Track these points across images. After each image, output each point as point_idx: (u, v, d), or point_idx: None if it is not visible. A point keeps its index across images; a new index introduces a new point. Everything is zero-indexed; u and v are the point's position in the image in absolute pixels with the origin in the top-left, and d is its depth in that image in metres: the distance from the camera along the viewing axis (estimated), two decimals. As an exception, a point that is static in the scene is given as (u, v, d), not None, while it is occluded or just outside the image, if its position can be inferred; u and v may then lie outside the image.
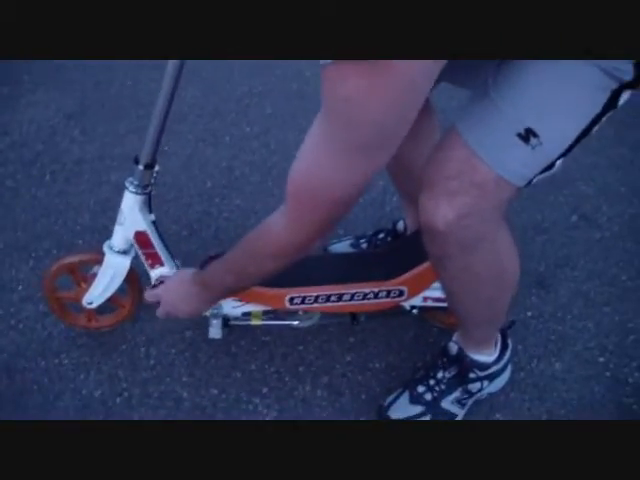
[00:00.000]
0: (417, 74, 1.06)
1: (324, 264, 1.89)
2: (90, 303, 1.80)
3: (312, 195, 1.23)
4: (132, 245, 1.71)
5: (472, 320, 1.68)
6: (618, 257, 2.28)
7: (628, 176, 2.62)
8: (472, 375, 1.75)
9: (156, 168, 1.62)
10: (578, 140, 1.29)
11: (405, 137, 1.17)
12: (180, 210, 2.30)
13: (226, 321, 1.83)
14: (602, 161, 2.68)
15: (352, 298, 1.78)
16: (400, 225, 2.06)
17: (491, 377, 1.78)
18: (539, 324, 2.04)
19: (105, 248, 1.72)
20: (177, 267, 1.76)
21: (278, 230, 1.33)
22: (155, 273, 1.74)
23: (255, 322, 1.84)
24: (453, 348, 1.76)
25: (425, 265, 1.72)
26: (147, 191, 1.63)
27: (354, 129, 1.11)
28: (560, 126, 1.28)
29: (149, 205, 1.66)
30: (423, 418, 1.76)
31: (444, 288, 1.61)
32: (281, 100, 2.81)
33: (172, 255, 1.75)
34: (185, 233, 2.22)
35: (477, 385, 1.77)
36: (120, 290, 1.80)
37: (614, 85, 1.23)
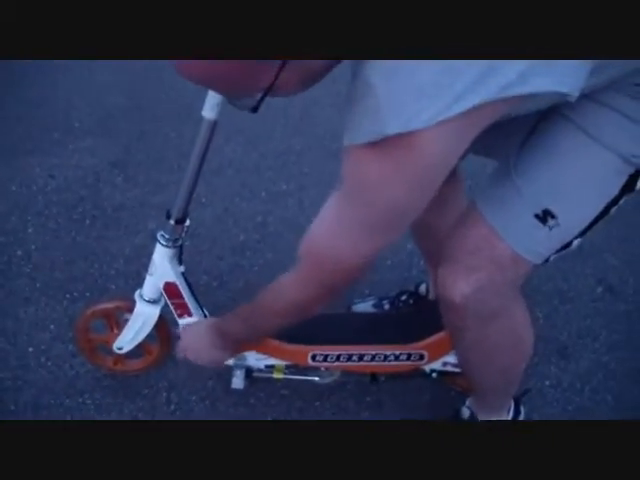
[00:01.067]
0: (439, 155, 1.08)
1: (348, 323, 1.94)
2: (120, 348, 1.87)
3: (321, 260, 1.28)
4: (162, 295, 1.77)
5: (486, 387, 1.71)
6: (641, 331, 2.29)
7: (657, 250, 2.64)
8: None
9: (187, 223, 1.68)
10: (596, 221, 1.33)
11: (431, 203, 1.19)
12: (212, 262, 2.37)
13: (249, 372, 1.87)
14: (631, 233, 2.69)
15: (373, 359, 1.82)
16: (422, 288, 2.10)
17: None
18: (557, 393, 2.06)
19: (136, 296, 1.79)
20: (205, 317, 1.81)
21: (287, 287, 1.39)
22: (183, 322, 1.80)
23: (277, 375, 1.89)
24: (465, 413, 1.79)
25: (445, 332, 1.75)
26: (177, 244, 1.69)
27: (373, 211, 1.16)
28: (577, 208, 1.32)
29: (179, 257, 1.73)
30: None
31: (459, 356, 1.65)
32: (319, 159, 2.88)
33: (201, 305, 1.81)
34: (215, 284, 2.28)
35: None
36: (149, 337, 1.85)
37: (631, 170, 1.27)
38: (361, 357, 1.81)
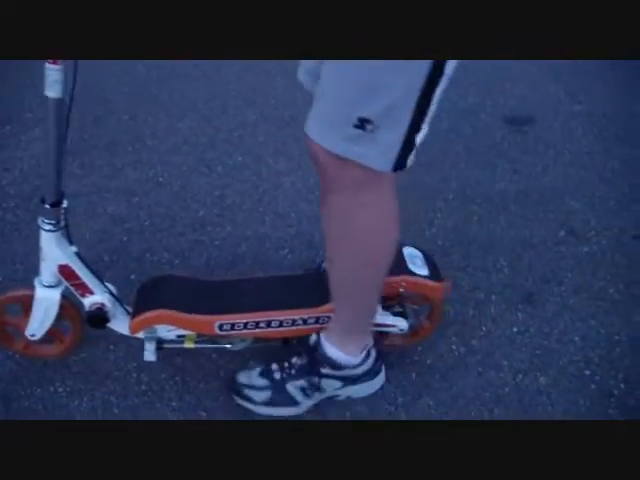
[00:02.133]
0: None
1: (253, 288, 1.90)
2: (33, 335, 1.85)
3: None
4: (60, 278, 1.75)
5: (343, 289, 1.72)
6: (605, 271, 2.31)
7: (617, 190, 2.66)
8: (323, 370, 1.79)
9: (64, 204, 1.66)
10: (420, 115, 1.33)
11: None
12: (173, 239, 2.36)
13: (160, 344, 1.86)
14: (591, 176, 2.72)
15: (281, 324, 1.80)
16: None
17: (346, 380, 1.82)
18: (525, 339, 2.07)
19: (35, 283, 1.78)
20: (109, 292, 1.80)
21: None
22: (88, 301, 1.79)
23: (189, 345, 1.87)
24: (312, 338, 1.80)
25: None
26: (60, 226, 1.67)
27: None
28: (389, 105, 1.30)
29: (68, 238, 1.71)
30: (264, 392, 1.82)
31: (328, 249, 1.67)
32: (273, 129, 2.88)
33: (102, 280, 1.80)
34: (177, 261, 2.27)
35: (330, 383, 1.81)
36: (59, 323, 1.85)
37: None
38: (269, 323, 1.80)
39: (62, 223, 1.67)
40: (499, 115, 3.09)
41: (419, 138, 1.37)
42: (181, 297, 1.83)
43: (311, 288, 1.86)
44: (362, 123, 1.31)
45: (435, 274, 1.85)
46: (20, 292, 1.84)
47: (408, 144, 1.36)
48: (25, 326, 1.83)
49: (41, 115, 2.96)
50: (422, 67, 1.26)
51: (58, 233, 1.68)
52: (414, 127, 1.34)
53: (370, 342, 1.81)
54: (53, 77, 1.46)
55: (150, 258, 2.27)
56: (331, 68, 1.32)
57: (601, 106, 3.23)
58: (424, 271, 1.83)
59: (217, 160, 2.74)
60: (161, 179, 2.62)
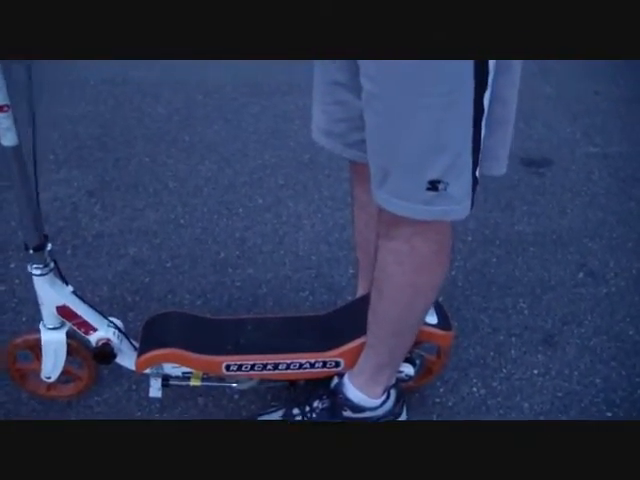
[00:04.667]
0: None
1: (261, 330, 1.90)
2: (49, 377, 1.86)
3: None
4: (62, 319, 1.77)
5: (375, 338, 1.73)
6: (625, 312, 2.31)
7: (635, 231, 2.67)
8: (345, 414, 1.79)
9: (48, 247, 1.67)
10: (477, 153, 1.35)
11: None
12: (194, 281, 2.38)
13: (166, 380, 1.87)
14: (608, 217, 2.73)
15: (288, 367, 1.80)
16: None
17: (367, 421, 1.82)
18: (545, 381, 2.07)
19: (40, 327, 1.80)
20: (113, 326, 1.82)
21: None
22: (93, 338, 1.80)
23: (194, 383, 1.87)
24: (334, 381, 1.81)
25: (363, 339, 1.76)
26: (49, 269, 1.68)
27: None
28: (451, 160, 1.33)
29: (61, 278, 1.73)
30: None
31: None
32: (293, 171, 2.91)
33: (104, 316, 1.82)
34: (199, 302, 2.29)
35: None
36: (72, 362, 1.86)
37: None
38: (276, 366, 1.80)
39: (51, 265, 1.68)
40: (516, 157, 3.11)
41: (478, 172, 1.39)
42: (188, 336, 1.84)
43: (320, 331, 1.87)
44: (433, 185, 1.33)
45: (444, 322, 1.85)
46: (27, 337, 1.86)
47: (475, 183, 1.39)
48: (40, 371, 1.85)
49: (65, 158, 3.02)
50: (467, 108, 1.28)
51: (49, 276, 1.69)
52: (475, 166, 1.37)
53: (391, 382, 1.82)
54: (4, 125, 1.46)
55: (172, 299, 2.29)
56: (385, 139, 1.35)
57: (617, 146, 3.26)
58: (433, 319, 1.84)
59: (237, 202, 2.77)
60: (182, 221, 2.65)
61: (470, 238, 2.59)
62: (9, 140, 1.48)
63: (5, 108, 1.43)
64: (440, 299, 1.89)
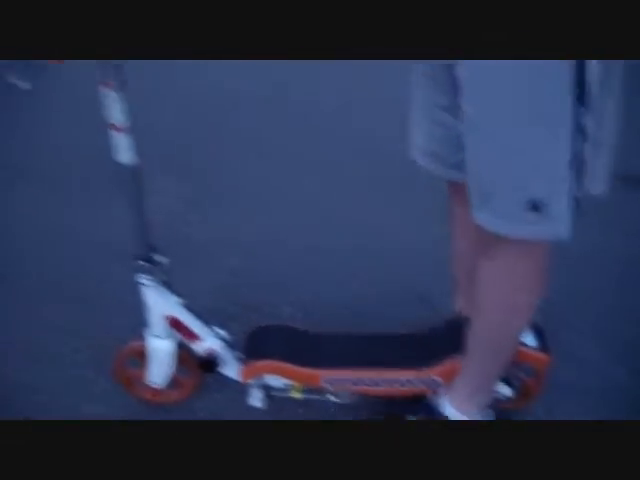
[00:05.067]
0: None
1: (362, 344, 1.96)
2: (154, 384, 1.94)
3: None
4: (170, 329, 1.85)
5: (473, 357, 1.75)
6: None
7: None
8: None
9: (158, 259, 1.75)
10: (578, 160, 1.35)
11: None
12: (295, 294, 2.45)
13: (268, 391, 1.93)
14: None
15: (385, 383, 1.86)
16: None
17: None
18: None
19: (147, 334, 1.87)
20: (219, 337, 1.89)
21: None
22: (198, 348, 1.88)
23: (295, 395, 1.93)
24: (432, 398, 1.84)
25: (461, 357, 1.79)
26: (159, 279, 1.76)
27: None
28: (549, 173, 1.35)
29: (170, 289, 1.81)
30: None
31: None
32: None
33: (210, 326, 1.89)
34: (299, 315, 2.36)
35: None
36: (179, 370, 1.94)
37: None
38: (374, 381, 1.85)
39: (160, 276, 1.76)
40: (617, 174, 3.04)
41: (578, 193, 1.40)
42: (289, 348, 1.92)
43: (419, 348, 1.91)
44: (534, 205, 1.36)
45: (542, 344, 1.86)
46: (134, 345, 1.94)
47: (576, 203, 1.39)
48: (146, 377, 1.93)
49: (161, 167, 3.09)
50: (567, 130, 1.30)
51: (158, 286, 1.77)
52: (576, 186, 1.37)
53: (487, 403, 1.83)
54: (124, 144, 1.55)
55: (272, 311, 2.37)
56: (486, 161, 1.38)
57: None
58: (531, 341, 1.85)
59: (342, 217, 2.82)
60: (283, 235, 2.72)
61: (569, 257, 2.57)
62: (127, 159, 1.56)
63: (125, 129, 1.51)
64: (538, 320, 1.89)
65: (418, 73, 1.59)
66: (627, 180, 3.03)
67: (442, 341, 1.88)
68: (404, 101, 1.69)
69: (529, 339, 1.83)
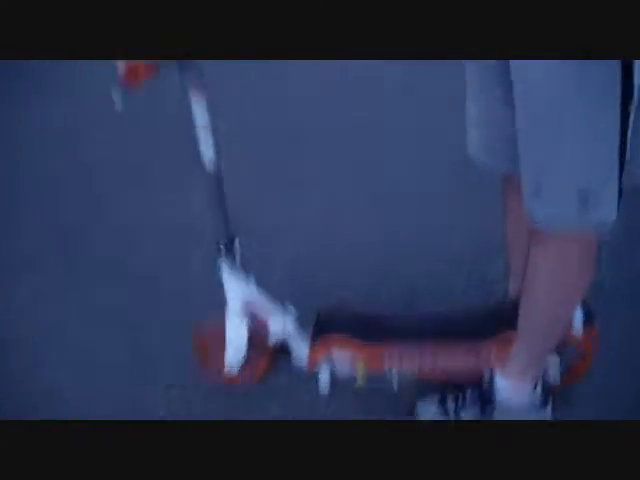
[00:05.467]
0: None
1: (420, 323, 2.07)
2: (231, 366, 2.04)
3: None
4: (246, 312, 1.97)
5: (523, 336, 1.86)
6: None
7: None
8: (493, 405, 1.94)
9: (237, 244, 1.87)
10: (623, 159, 1.44)
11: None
12: (360, 276, 2.57)
13: (333, 377, 2.02)
14: None
15: (443, 357, 1.97)
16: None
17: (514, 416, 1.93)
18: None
19: (225, 317, 1.98)
20: (290, 318, 2.00)
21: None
22: (271, 331, 2.00)
23: (359, 383, 2.02)
24: (485, 376, 1.95)
25: (514, 335, 1.88)
26: (237, 264, 1.88)
27: None
28: (600, 172, 1.44)
29: (246, 273, 1.92)
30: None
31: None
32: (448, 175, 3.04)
33: (282, 307, 2.01)
34: (365, 294, 2.48)
35: None
36: (253, 351, 2.04)
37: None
38: (433, 356, 1.96)
39: (238, 261, 1.88)
40: None
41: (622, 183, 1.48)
42: (357, 326, 2.02)
43: (479, 325, 2.01)
44: (584, 195, 1.44)
45: (590, 324, 1.94)
46: (213, 327, 2.05)
47: (620, 193, 1.48)
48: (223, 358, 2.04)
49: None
50: (614, 122, 1.37)
51: (236, 270, 1.89)
52: (621, 176, 1.46)
53: (538, 379, 1.94)
54: (209, 142, 1.69)
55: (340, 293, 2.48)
56: (538, 153, 1.48)
57: None
58: (579, 321, 1.93)
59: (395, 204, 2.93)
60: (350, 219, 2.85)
61: (617, 241, 2.61)
62: (211, 154, 1.70)
63: (209, 127, 1.66)
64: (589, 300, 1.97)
65: (472, 69, 1.68)
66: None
67: (498, 319, 1.98)
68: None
69: (578, 318, 1.92)
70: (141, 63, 1.39)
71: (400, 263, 2.63)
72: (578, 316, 1.93)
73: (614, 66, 1.30)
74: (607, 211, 1.48)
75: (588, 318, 1.94)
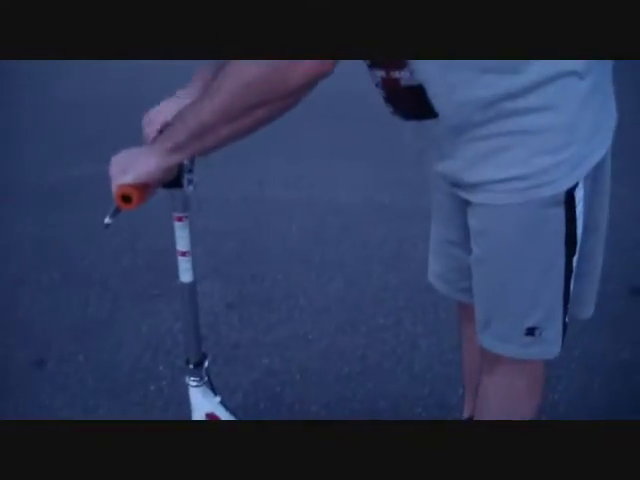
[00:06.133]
0: None
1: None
2: None
3: None
4: None
5: None
6: None
7: None
8: None
9: (205, 364, 1.93)
10: (567, 298, 1.56)
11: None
12: (320, 392, 2.65)
13: None
14: None
15: None
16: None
17: None
18: None
19: None
20: None
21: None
22: None
23: None
24: None
25: None
26: (204, 381, 1.94)
27: None
28: (546, 311, 1.56)
29: (212, 389, 1.97)
30: None
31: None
32: (413, 294, 3.18)
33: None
34: (323, 413, 2.55)
35: None
36: None
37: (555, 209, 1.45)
38: None
39: (205, 378, 1.94)
40: (626, 286, 3.22)
41: (567, 318, 1.61)
42: None
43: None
44: (530, 331, 1.57)
45: None
46: None
47: (564, 327, 1.61)
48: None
49: (207, 271, 3.36)
50: (559, 271, 1.52)
51: (203, 387, 1.95)
52: (565, 314, 1.59)
53: None
54: (184, 266, 1.77)
55: (299, 408, 2.56)
56: (489, 293, 1.61)
57: None
58: None
59: (361, 321, 3.05)
60: (310, 336, 2.95)
61: (573, 365, 2.75)
62: (187, 277, 1.79)
63: (187, 253, 1.76)
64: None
65: (435, 208, 1.84)
66: (635, 292, 3.20)
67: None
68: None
69: None
70: (134, 187, 1.44)
71: (363, 381, 2.72)
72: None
73: (561, 227, 1.46)
74: (551, 346, 1.61)
75: None
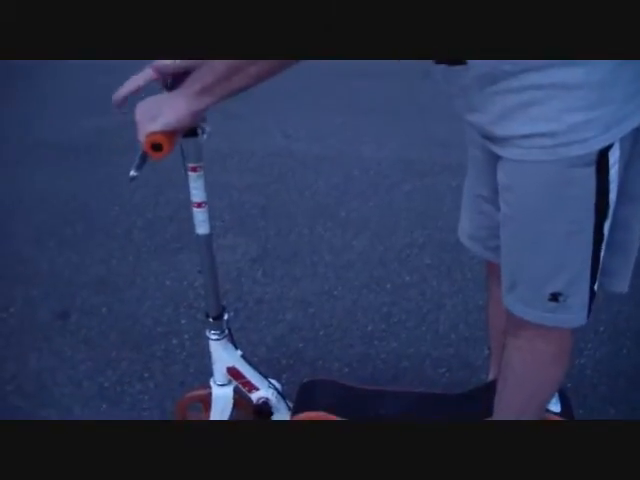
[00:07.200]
0: None
1: (399, 404, 2.09)
2: None
3: None
4: (230, 377, 2.02)
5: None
6: None
7: None
8: None
9: (225, 317, 1.93)
10: (596, 269, 1.51)
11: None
12: (343, 350, 2.63)
13: None
14: None
15: None
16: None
17: None
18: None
19: (211, 383, 2.04)
20: (274, 388, 2.05)
21: None
22: (254, 396, 2.04)
23: None
24: None
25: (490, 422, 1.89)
26: (224, 335, 1.94)
27: None
28: (570, 278, 1.51)
29: (233, 343, 1.99)
30: None
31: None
32: (439, 251, 3.14)
33: (265, 377, 2.06)
34: (346, 370, 2.53)
35: None
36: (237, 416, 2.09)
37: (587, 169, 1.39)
38: None
39: (226, 332, 1.94)
40: None
41: (596, 287, 1.56)
42: (337, 402, 2.06)
43: (452, 410, 2.05)
44: (554, 296, 1.52)
45: (567, 411, 1.97)
46: (199, 392, 2.12)
47: (592, 296, 1.55)
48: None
49: (232, 225, 3.34)
50: (588, 235, 1.46)
51: (224, 340, 1.95)
52: (593, 282, 1.53)
53: None
54: (200, 218, 1.74)
55: (322, 365, 2.54)
56: (515, 254, 1.56)
57: None
58: (556, 407, 1.96)
59: (386, 278, 3.02)
60: (335, 292, 2.92)
61: (602, 328, 2.72)
62: (203, 229, 1.77)
63: (203, 204, 1.73)
64: (568, 385, 2.00)
65: (470, 162, 1.79)
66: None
67: (474, 406, 2.02)
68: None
69: (554, 405, 1.95)
70: (164, 135, 1.42)
71: (387, 340, 2.69)
72: (556, 404, 1.96)
73: (591, 185, 1.40)
74: (575, 315, 1.56)
75: (565, 406, 1.99)
